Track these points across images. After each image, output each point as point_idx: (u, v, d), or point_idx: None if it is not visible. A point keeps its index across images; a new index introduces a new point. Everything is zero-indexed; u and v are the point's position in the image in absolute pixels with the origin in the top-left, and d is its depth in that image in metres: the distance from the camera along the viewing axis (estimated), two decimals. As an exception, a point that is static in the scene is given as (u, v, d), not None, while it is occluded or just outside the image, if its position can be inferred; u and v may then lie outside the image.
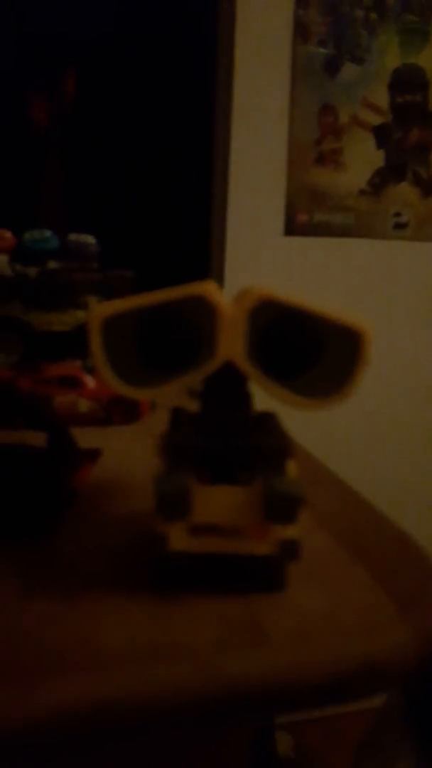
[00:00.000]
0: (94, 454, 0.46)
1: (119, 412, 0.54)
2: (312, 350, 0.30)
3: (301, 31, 1.28)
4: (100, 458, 0.47)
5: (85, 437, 0.50)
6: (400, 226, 1.44)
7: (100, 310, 0.29)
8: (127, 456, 0.49)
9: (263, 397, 0.33)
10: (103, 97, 1.60)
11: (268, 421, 0.32)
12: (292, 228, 1.36)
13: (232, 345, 0.29)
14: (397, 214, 1.43)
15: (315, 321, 0.29)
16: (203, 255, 1.39)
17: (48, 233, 0.89)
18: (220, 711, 0.27)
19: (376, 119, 1.37)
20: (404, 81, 1.37)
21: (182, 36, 1.59)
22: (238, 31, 1.25)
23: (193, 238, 1.41)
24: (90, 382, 0.53)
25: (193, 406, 0.34)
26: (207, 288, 0.29)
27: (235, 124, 1.29)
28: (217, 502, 0.30)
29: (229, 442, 0.31)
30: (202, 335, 0.29)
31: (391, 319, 1.44)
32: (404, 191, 1.42)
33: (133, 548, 0.36)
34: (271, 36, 1.27)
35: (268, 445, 0.30)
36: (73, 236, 0.91)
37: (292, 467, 0.31)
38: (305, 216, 1.37)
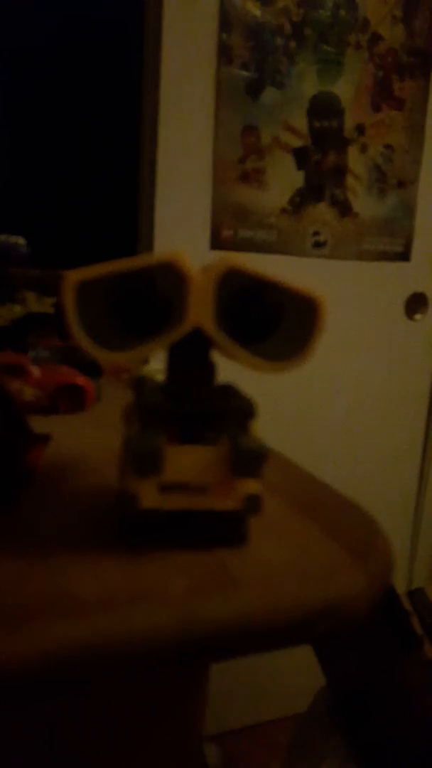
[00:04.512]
0: (44, 438, 0.47)
1: (65, 401, 0.54)
2: (273, 318, 0.32)
3: (224, 54, 1.33)
4: (50, 444, 0.48)
5: (31, 425, 0.50)
6: (318, 245, 1.51)
7: (73, 274, 0.30)
8: (76, 442, 0.50)
9: (224, 370, 0.35)
10: (28, 115, 1.60)
11: (230, 388, 0.34)
12: (217, 243, 1.39)
13: (201, 311, 0.31)
14: (316, 233, 1.50)
15: (276, 290, 0.32)
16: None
17: (-22, 234, 0.88)
18: (197, 652, 0.28)
19: (296, 142, 1.43)
20: (321, 107, 1.45)
21: (108, 56, 1.62)
22: (164, 51, 1.29)
23: (121, 250, 1.42)
24: (35, 371, 0.54)
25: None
26: (177, 256, 0.31)
27: (162, 140, 1.31)
28: (186, 460, 0.32)
29: (197, 404, 0.32)
30: (172, 301, 0.31)
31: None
32: (322, 211, 1.49)
33: (95, 514, 0.36)
34: (195, 57, 1.31)
35: (234, 406, 0.32)
36: (2, 237, 0.90)
37: (255, 427, 0.33)
38: (230, 231, 1.41)
